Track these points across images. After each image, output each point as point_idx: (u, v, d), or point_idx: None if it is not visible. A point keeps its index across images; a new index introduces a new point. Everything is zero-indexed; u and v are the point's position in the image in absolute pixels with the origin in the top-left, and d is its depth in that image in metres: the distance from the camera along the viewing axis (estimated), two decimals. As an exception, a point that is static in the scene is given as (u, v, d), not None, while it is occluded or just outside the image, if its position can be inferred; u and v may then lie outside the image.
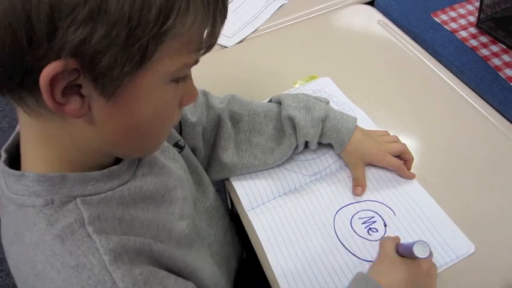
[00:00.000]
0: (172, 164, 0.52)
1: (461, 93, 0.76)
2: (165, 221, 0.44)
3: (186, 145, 0.60)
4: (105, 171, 0.38)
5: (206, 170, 0.66)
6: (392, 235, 0.59)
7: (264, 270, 0.60)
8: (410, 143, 0.67)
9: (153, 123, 0.37)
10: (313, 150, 0.68)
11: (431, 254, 0.49)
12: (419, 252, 0.47)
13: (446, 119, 0.73)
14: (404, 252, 0.52)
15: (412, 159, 0.65)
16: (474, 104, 0.75)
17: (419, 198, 0.63)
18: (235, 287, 0.66)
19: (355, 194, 0.64)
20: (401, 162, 0.65)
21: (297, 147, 0.65)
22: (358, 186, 0.64)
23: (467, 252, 0.56)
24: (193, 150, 0.64)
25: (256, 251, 0.62)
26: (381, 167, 0.66)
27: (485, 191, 0.63)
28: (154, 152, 0.46)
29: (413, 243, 0.48)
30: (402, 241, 0.57)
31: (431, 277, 0.52)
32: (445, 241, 0.57)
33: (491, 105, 0.74)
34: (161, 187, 0.45)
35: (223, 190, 0.90)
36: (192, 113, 0.63)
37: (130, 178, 0.41)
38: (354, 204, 0.64)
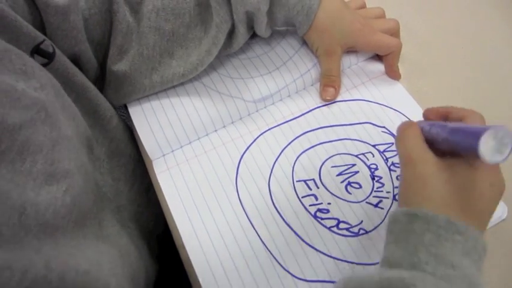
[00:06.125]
0: (22, 82, 0.28)
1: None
2: (7, 192, 0.24)
3: (56, 50, 0.34)
4: None
5: (103, 91, 0.42)
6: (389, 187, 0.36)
7: (181, 257, 0.38)
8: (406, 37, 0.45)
9: None
10: (264, 40, 0.45)
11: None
12: (489, 150, 0.22)
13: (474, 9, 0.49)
14: (450, 141, 0.27)
15: (400, 46, 0.43)
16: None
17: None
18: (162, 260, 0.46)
19: (323, 97, 0.43)
20: (399, 41, 0.43)
21: (233, 34, 0.41)
22: (329, 86, 0.42)
23: (499, 218, 0.38)
24: (76, 60, 0.38)
25: (169, 223, 0.39)
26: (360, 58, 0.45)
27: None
28: None
29: (477, 130, 0.23)
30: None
31: (497, 191, 0.28)
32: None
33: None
34: None
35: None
36: None
37: None
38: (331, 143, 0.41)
